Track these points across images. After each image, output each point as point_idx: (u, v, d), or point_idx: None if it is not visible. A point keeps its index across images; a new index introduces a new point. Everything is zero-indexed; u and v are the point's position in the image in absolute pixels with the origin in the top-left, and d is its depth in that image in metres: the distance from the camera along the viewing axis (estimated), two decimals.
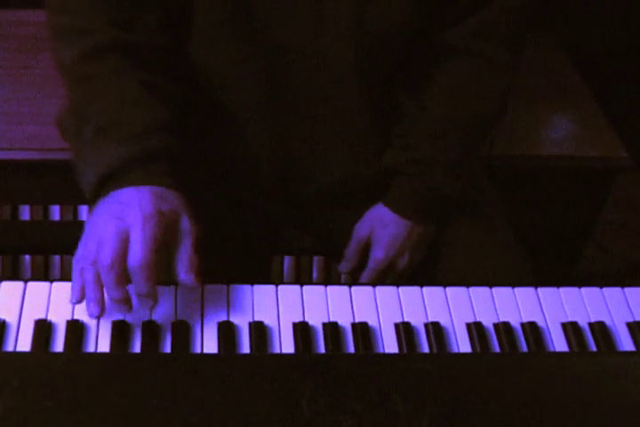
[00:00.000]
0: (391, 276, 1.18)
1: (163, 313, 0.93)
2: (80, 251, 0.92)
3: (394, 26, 1.06)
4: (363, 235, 1.19)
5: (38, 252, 1.71)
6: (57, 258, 1.72)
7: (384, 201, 1.18)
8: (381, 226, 1.17)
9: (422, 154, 1.14)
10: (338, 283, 1.02)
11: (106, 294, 0.90)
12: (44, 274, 1.71)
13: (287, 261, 1.72)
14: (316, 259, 1.72)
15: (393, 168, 1.16)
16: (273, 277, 1.61)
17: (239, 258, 1.20)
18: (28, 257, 1.71)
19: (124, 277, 0.89)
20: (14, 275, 1.70)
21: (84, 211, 1.66)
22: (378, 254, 1.17)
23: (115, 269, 0.88)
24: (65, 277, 1.69)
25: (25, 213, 1.65)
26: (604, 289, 1.03)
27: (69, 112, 1.03)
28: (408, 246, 1.17)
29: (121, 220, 0.90)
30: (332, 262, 1.73)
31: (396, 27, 1.07)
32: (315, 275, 1.73)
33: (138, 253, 0.88)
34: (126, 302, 0.90)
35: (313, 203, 1.24)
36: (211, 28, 1.05)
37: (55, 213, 1.66)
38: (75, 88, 1.03)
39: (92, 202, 0.98)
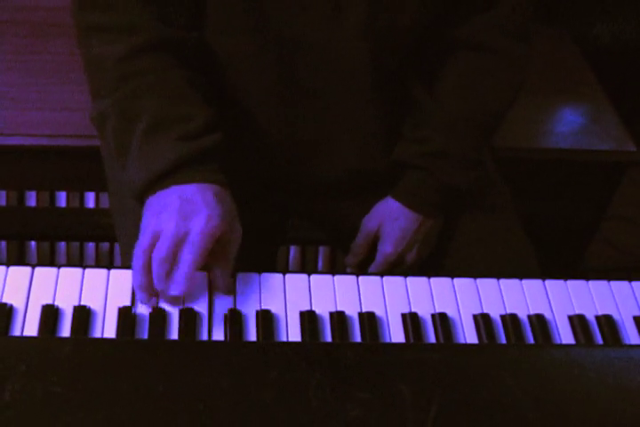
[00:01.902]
0: (399, 269, 1.17)
1: (170, 300, 0.93)
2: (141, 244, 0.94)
3: (407, 22, 1.06)
4: (371, 228, 1.18)
5: (44, 238, 1.71)
6: (63, 244, 1.72)
7: (394, 194, 1.17)
8: (391, 220, 1.16)
9: (435, 147, 1.13)
10: (345, 272, 1.02)
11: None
12: (49, 260, 1.72)
13: (293, 250, 1.72)
14: (321, 249, 1.72)
15: (404, 161, 1.16)
16: (278, 267, 1.61)
17: (246, 247, 1.20)
18: (34, 243, 1.71)
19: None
20: (20, 261, 1.70)
21: (90, 197, 1.67)
22: (387, 249, 1.16)
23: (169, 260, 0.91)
24: (71, 262, 1.70)
25: (31, 199, 1.66)
26: (612, 283, 1.03)
27: (111, 108, 1.02)
28: (417, 240, 1.16)
29: (186, 216, 0.93)
30: (338, 253, 1.73)
31: (409, 22, 1.06)
32: (320, 265, 1.73)
33: (189, 247, 0.91)
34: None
35: (321, 194, 1.23)
36: (223, 19, 1.05)
37: (62, 199, 1.66)
38: (119, 85, 1.02)
39: (140, 194, 0.99)
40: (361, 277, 0.99)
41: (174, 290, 0.91)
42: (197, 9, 1.05)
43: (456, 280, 1.00)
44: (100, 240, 1.72)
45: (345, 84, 1.10)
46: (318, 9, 1.03)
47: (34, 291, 0.93)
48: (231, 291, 0.96)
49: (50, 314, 0.90)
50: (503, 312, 0.97)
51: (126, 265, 0.99)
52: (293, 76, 1.09)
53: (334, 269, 1.71)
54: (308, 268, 1.70)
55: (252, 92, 1.11)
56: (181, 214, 0.93)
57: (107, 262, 1.74)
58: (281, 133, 1.14)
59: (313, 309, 0.94)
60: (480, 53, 1.13)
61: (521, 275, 1.03)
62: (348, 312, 0.94)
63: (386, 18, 1.04)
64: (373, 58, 1.07)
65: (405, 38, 1.09)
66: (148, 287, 0.92)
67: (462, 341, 0.94)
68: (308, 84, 1.10)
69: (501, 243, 1.20)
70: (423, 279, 1.00)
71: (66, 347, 0.79)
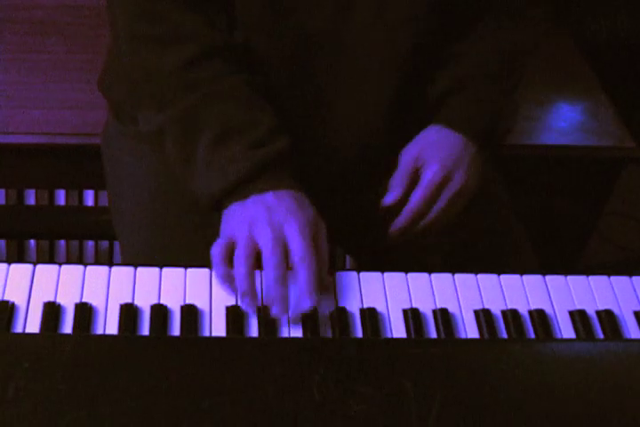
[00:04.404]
0: (421, 232, 1.10)
1: (171, 297, 0.94)
2: (221, 244, 0.96)
3: (418, 11, 1.06)
4: (411, 155, 1.09)
5: (44, 236, 1.71)
6: (62, 243, 1.72)
7: (434, 121, 1.12)
8: (432, 143, 1.10)
9: (468, 77, 1.12)
10: (345, 269, 1.02)
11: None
12: (49, 259, 1.72)
13: None
14: None
15: (441, 92, 1.13)
16: None
17: None
18: (33, 242, 1.72)
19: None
20: (20, 259, 1.70)
21: (89, 196, 1.67)
22: (430, 170, 1.07)
23: (282, 267, 0.93)
24: (70, 261, 1.70)
25: (30, 197, 1.66)
26: (612, 278, 1.03)
27: (172, 120, 1.02)
28: (462, 165, 1.08)
29: (277, 227, 0.94)
30: (336, 250, 1.73)
31: (420, 12, 1.06)
32: None
33: (300, 253, 0.93)
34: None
35: (322, 189, 1.23)
36: (241, 16, 1.05)
37: (61, 197, 1.66)
38: (180, 96, 1.02)
39: (217, 204, 1.00)
40: (361, 274, 0.99)
41: (307, 302, 0.91)
42: (232, 11, 1.05)
43: (457, 276, 1.00)
44: (100, 238, 1.72)
45: (355, 79, 1.10)
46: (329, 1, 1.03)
47: (35, 289, 0.93)
48: (331, 289, 0.96)
49: (52, 311, 0.90)
50: (504, 307, 0.97)
51: (127, 262, 1.00)
52: (306, 70, 1.08)
53: (333, 267, 1.71)
54: None
55: (265, 84, 1.11)
56: (273, 225, 0.94)
57: (106, 260, 1.74)
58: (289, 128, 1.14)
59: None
60: (495, 17, 1.14)
61: (520, 271, 1.03)
62: (349, 308, 0.94)
63: (396, 8, 1.04)
64: (382, 52, 1.08)
65: (417, 27, 1.08)
66: (252, 292, 0.92)
67: (463, 336, 0.94)
68: (320, 77, 1.09)
69: (499, 240, 1.20)
70: (424, 275, 1.00)
71: (69, 343, 0.79)
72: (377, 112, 1.15)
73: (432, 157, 1.08)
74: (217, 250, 0.96)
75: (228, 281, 0.94)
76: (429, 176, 1.07)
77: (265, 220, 0.95)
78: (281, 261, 0.93)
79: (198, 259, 0.98)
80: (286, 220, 0.95)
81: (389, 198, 1.09)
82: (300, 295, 0.92)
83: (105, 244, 1.74)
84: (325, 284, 0.96)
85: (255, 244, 0.94)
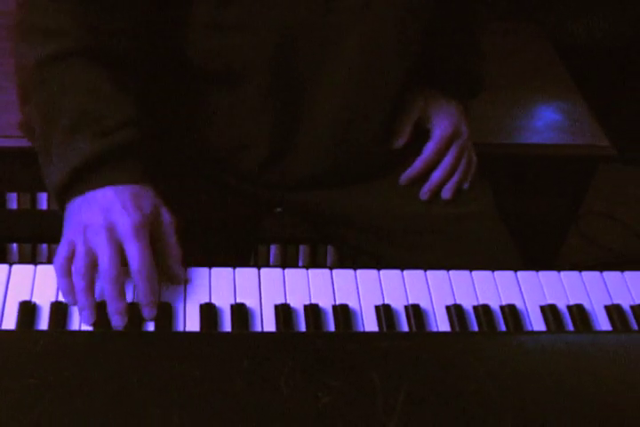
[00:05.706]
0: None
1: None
2: (63, 253, 0.94)
3: (402, 7, 1.07)
4: (418, 104, 1.23)
5: (26, 240, 1.71)
6: (44, 247, 1.72)
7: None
8: (435, 103, 1.23)
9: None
10: (319, 266, 1.03)
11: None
12: (31, 262, 1.72)
13: (273, 249, 1.73)
14: (302, 247, 1.73)
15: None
16: (259, 265, 1.62)
17: (221, 244, 1.20)
18: (15, 245, 1.72)
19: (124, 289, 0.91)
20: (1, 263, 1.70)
21: None
22: (440, 126, 1.22)
23: (119, 281, 0.90)
24: (50, 261, 1.70)
25: (13, 201, 1.66)
26: (583, 273, 1.04)
27: (34, 113, 1.01)
28: (462, 120, 1.24)
29: (111, 228, 0.92)
30: (320, 250, 1.74)
31: (403, 7, 1.08)
32: (300, 264, 1.74)
33: (137, 263, 0.91)
34: (126, 313, 0.91)
35: (306, 185, 1.23)
36: (216, 12, 1.05)
37: (43, 201, 1.66)
38: (40, 88, 1.01)
39: (60, 200, 0.99)
40: (335, 271, 1.00)
41: (147, 312, 0.91)
42: (144, 16, 1.05)
43: (429, 272, 1.01)
44: None
45: (337, 74, 1.10)
46: None
47: (11, 288, 0.94)
48: (183, 280, 0.96)
49: (27, 310, 0.91)
50: (475, 303, 0.98)
51: None
52: (288, 65, 1.08)
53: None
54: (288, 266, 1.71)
55: (243, 84, 1.11)
56: (107, 229, 0.92)
57: None
58: (270, 127, 1.14)
59: (287, 302, 0.95)
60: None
61: (504, 265, 1.05)
62: (321, 305, 0.95)
63: (379, 6, 1.05)
64: (365, 47, 1.08)
65: (401, 23, 1.09)
66: (90, 307, 0.91)
67: (435, 331, 0.95)
68: (302, 73, 1.09)
69: (484, 240, 1.22)
70: (396, 272, 1.01)
71: (42, 339, 0.80)
72: (358, 107, 1.14)
73: (439, 114, 1.23)
74: (58, 262, 0.94)
75: (71, 295, 0.92)
76: (440, 130, 1.22)
77: (99, 223, 0.93)
78: (117, 274, 0.91)
79: None
80: (120, 221, 0.93)
81: (399, 144, 1.22)
82: (142, 307, 0.91)
83: None
84: (178, 277, 0.96)
85: (93, 250, 0.92)
